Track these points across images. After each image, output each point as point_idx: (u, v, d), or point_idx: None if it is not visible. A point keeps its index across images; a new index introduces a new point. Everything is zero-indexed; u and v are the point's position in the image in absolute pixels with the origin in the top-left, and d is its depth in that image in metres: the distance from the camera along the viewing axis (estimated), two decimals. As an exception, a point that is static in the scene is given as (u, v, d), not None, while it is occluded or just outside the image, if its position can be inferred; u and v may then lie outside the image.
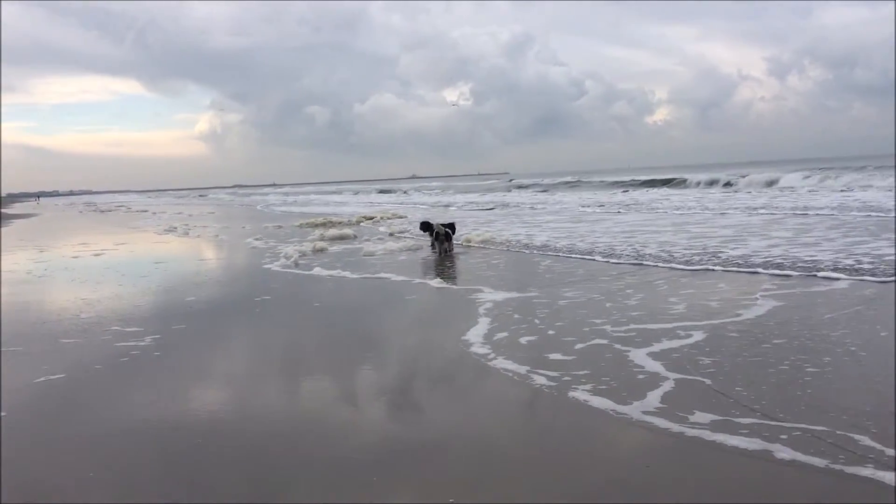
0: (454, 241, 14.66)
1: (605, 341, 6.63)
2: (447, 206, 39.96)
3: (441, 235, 14.22)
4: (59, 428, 4.90)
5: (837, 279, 9.05)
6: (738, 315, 7.39)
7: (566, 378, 5.46)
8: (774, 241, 13.45)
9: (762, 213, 20.86)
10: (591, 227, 19.17)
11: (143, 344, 7.08)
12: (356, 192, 78.51)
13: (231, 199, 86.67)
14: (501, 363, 5.99)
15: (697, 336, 6.59)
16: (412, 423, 4.85)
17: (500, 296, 9.09)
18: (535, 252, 13.89)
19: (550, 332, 7.18)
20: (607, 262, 11.87)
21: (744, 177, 43.30)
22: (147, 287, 11.16)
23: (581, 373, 5.58)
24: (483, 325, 7.43)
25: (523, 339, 6.87)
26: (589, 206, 29.92)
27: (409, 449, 4.29)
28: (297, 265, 13.35)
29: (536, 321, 7.66)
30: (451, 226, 14.77)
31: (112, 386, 5.82)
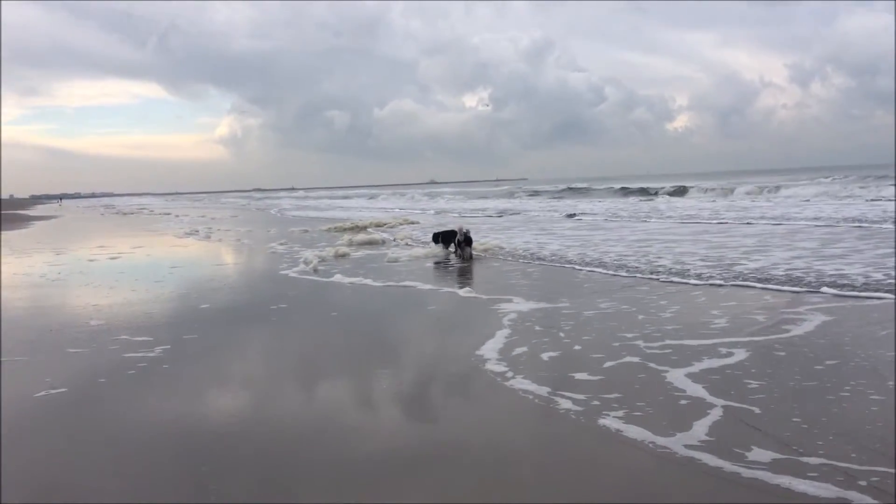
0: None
1: (637, 359, 6.21)
2: (454, 211, 39.51)
3: (462, 241, 14.19)
4: (59, 443, 4.57)
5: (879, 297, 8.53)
6: (785, 332, 6.91)
7: (595, 402, 5.02)
8: (798, 252, 12.92)
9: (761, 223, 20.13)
10: (604, 236, 18.69)
11: (151, 355, 6.75)
12: (370, 197, 78.26)
13: (246, 202, 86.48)
14: (519, 383, 5.56)
15: (740, 355, 6.14)
16: (416, 464, 4.19)
17: (527, 306, 8.68)
18: (554, 263, 13.45)
19: (576, 347, 6.78)
20: (632, 276, 11.39)
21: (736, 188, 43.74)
22: (160, 293, 10.87)
23: (611, 396, 5.14)
24: (500, 338, 7.05)
25: (545, 355, 6.47)
26: (582, 215, 29.22)
27: (415, 487, 3.89)
28: (315, 271, 13.03)
29: (561, 334, 7.26)
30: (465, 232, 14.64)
31: (115, 402, 5.48)
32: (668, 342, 6.74)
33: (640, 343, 6.79)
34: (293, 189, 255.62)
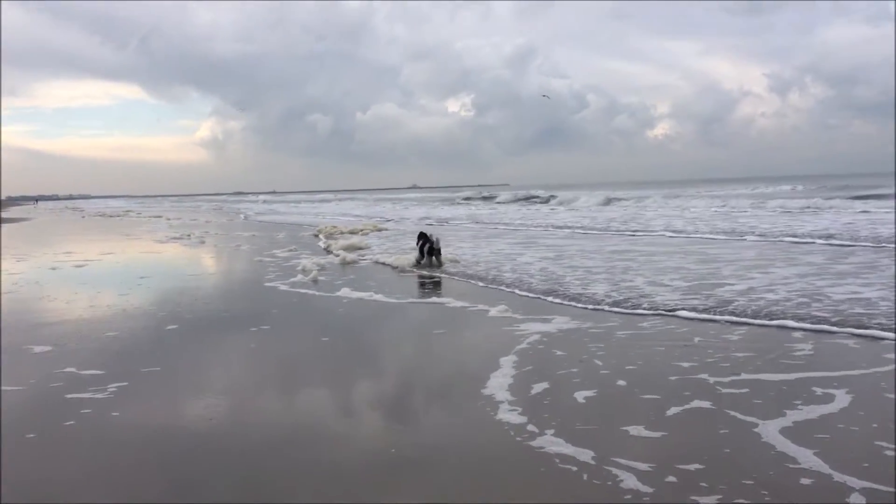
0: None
1: (708, 403, 5.00)
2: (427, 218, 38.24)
3: (433, 247, 13.57)
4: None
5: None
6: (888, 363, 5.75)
7: (670, 479, 3.76)
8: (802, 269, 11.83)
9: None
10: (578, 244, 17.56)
11: (100, 397, 5.40)
12: (340, 200, 78.17)
13: (219, 206, 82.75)
14: (551, 443, 4.30)
15: (842, 398, 4.95)
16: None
17: (555, 324, 7.44)
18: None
19: (620, 382, 5.57)
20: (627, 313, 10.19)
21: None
22: (123, 309, 9.47)
23: (692, 468, 3.89)
24: (508, 366, 5.82)
25: (580, 395, 5.25)
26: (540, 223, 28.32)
27: None
28: (315, 283, 11.77)
29: (597, 362, 6.06)
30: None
31: (35, 472, 4.14)
32: (743, 376, 5.58)
33: (707, 377, 5.61)
34: (274, 192, 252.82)
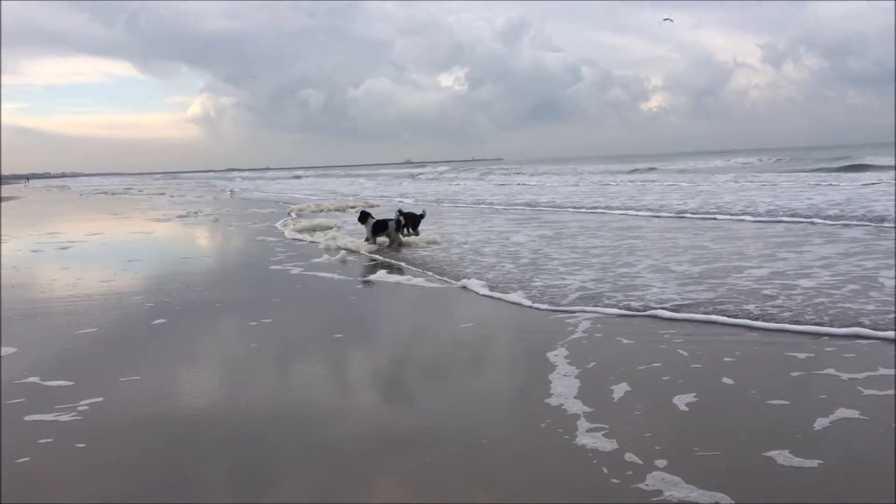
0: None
1: (856, 412, 4.03)
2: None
3: (390, 226, 12.84)
4: None
5: None
6: None
7: None
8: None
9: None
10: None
11: (64, 421, 4.40)
12: (338, 177, 77.15)
13: (202, 183, 79.94)
14: (669, 486, 3.27)
15: None
16: None
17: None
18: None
19: (725, 380, 4.62)
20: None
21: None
22: (105, 300, 8.40)
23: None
24: (566, 365, 4.79)
25: (679, 402, 4.29)
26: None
27: None
28: (344, 263, 10.96)
29: (681, 352, 5.06)
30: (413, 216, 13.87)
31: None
32: (881, 371, 4.71)
33: (834, 372, 4.77)
34: (267, 169, 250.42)
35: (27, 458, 3.85)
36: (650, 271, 8.97)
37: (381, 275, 9.63)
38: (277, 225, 18.60)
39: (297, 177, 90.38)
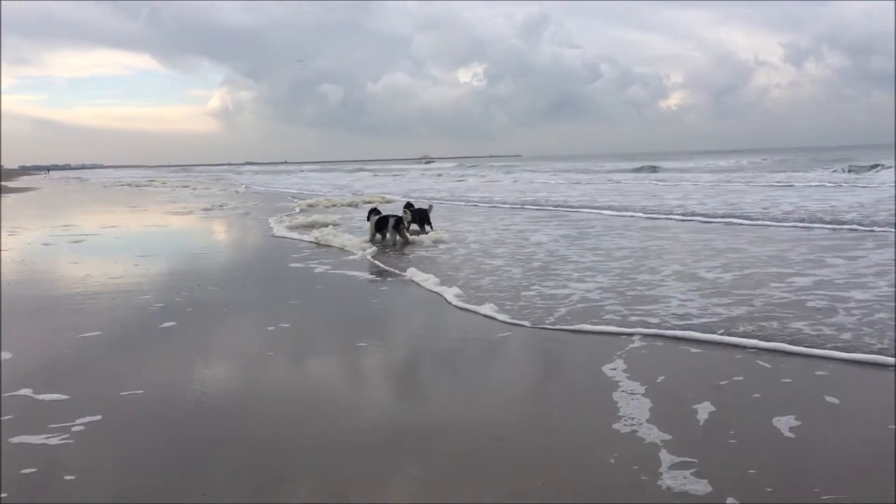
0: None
1: None
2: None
3: (391, 224, 12.19)
4: None
5: None
6: None
7: None
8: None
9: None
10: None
11: (54, 444, 3.84)
12: (351, 172, 77.43)
13: (214, 178, 78.70)
14: None
15: None
16: None
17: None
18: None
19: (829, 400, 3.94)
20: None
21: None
22: (112, 299, 7.85)
23: None
24: (631, 384, 4.13)
25: (780, 424, 3.62)
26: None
27: None
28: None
29: (763, 364, 4.38)
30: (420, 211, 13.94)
31: None
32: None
33: None
34: (286, 163, 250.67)
35: (6, 495, 3.29)
36: (675, 279, 8.26)
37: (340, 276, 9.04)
38: (270, 221, 17.84)
39: (312, 171, 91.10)
